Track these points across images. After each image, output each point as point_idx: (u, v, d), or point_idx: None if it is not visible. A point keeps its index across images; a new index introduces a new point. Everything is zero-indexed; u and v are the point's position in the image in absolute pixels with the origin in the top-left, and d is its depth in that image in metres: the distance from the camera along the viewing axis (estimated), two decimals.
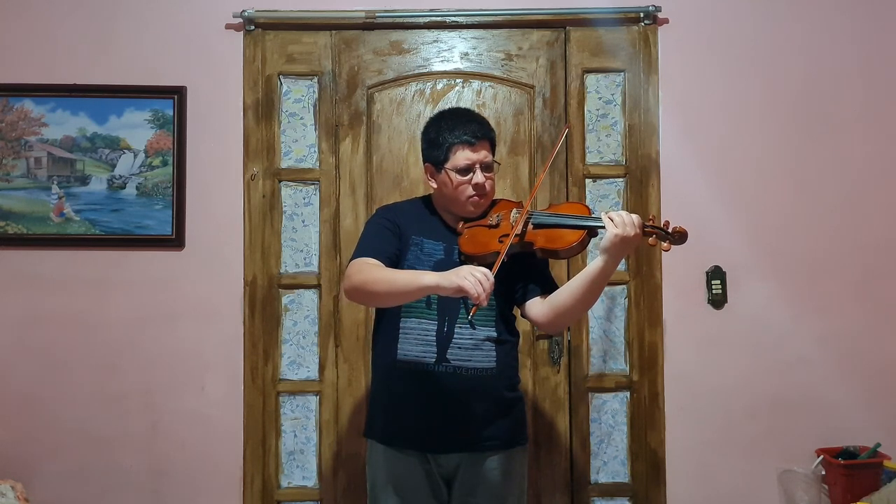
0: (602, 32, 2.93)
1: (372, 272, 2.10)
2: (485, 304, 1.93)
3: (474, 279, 1.92)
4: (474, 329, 2.18)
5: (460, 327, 2.17)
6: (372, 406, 2.33)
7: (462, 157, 2.18)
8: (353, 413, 2.87)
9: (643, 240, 2.04)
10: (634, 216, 2.03)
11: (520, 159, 2.91)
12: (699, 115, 2.93)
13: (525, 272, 2.20)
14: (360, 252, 2.19)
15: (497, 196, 2.32)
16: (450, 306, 2.18)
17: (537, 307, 2.19)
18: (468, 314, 2.10)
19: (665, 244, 2.03)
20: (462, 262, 2.17)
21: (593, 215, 2.12)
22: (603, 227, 2.04)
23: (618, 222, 2.01)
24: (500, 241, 2.12)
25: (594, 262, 2.07)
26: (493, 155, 2.25)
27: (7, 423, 2.84)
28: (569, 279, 2.23)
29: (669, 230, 2.04)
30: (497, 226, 2.18)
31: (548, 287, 2.22)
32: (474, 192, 2.19)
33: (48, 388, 2.85)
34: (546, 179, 2.90)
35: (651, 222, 2.05)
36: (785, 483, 2.85)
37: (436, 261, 2.20)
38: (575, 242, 2.08)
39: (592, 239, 2.14)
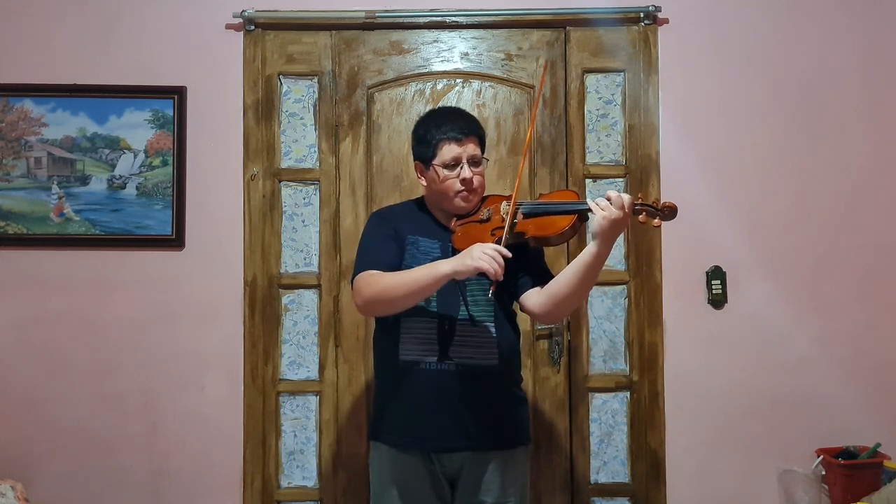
0: (602, 32, 2.93)
1: (384, 280, 2.11)
2: (501, 278, 1.97)
3: (488, 258, 1.96)
4: (476, 326, 2.18)
5: (461, 324, 2.18)
6: (375, 408, 2.33)
7: (448, 151, 2.19)
8: (353, 413, 2.87)
9: (633, 218, 2.05)
10: (625, 196, 2.02)
11: (520, 159, 2.91)
12: (699, 115, 2.93)
13: (520, 265, 2.19)
14: (364, 265, 2.19)
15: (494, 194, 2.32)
16: (450, 303, 2.18)
17: (534, 298, 2.19)
18: (489, 291, 2.08)
19: (655, 220, 2.04)
20: None
21: (582, 200, 2.13)
22: (590, 210, 2.05)
23: (603, 205, 2.02)
24: (493, 234, 2.13)
25: (587, 248, 2.07)
26: (483, 151, 2.25)
27: (7, 423, 2.84)
28: None
29: (659, 207, 2.05)
30: (488, 220, 2.19)
31: (543, 278, 2.22)
32: (462, 187, 2.20)
33: (48, 388, 2.85)
34: (546, 178, 2.91)
35: (640, 200, 2.06)
36: (785, 483, 2.85)
37: (432, 259, 2.19)
38: (566, 227, 2.08)
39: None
